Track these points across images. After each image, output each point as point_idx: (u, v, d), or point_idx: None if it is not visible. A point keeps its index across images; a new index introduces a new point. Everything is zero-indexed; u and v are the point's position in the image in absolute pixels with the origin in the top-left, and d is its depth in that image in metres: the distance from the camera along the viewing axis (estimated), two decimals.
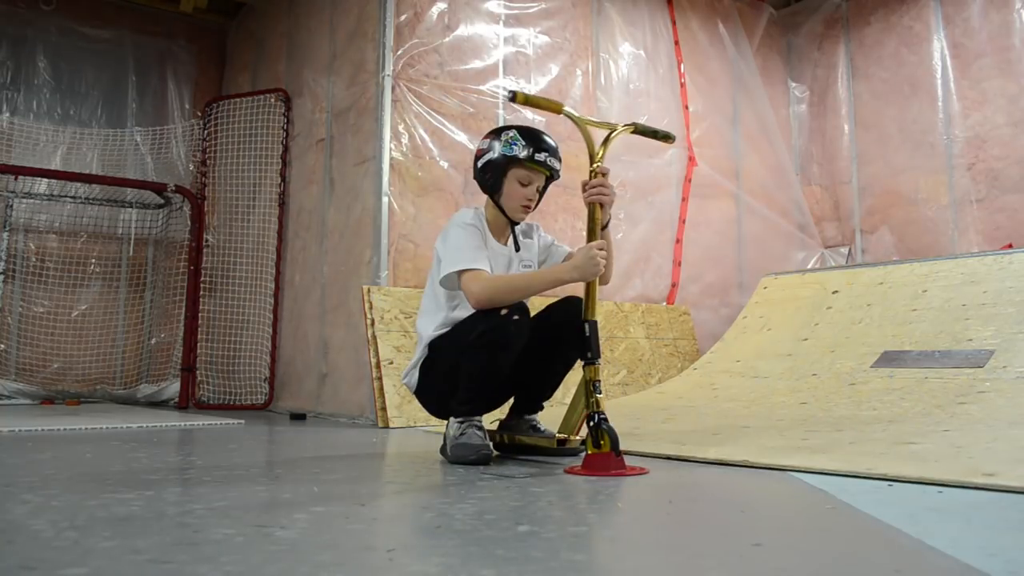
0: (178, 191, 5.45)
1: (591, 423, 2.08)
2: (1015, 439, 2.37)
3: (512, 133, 2.33)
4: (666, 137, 2.49)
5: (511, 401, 2.52)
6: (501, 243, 2.41)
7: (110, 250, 5.63)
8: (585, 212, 2.28)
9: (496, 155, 2.33)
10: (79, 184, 5.42)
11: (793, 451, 2.30)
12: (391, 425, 3.57)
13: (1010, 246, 4.69)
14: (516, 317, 2.19)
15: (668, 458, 2.33)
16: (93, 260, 5.54)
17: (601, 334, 2.31)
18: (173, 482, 1.92)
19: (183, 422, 3.78)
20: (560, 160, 2.36)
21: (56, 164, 5.50)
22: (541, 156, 2.31)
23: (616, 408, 3.81)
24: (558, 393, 2.61)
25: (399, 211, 4.08)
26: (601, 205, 2.25)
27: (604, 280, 2.37)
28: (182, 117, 6.02)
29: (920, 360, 3.69)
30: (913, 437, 2.50)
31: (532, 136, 2.33)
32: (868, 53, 5.78)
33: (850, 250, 5.77)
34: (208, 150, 5.52)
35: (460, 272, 2.23)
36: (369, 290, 3.86)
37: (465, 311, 2.29)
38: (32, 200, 5.38)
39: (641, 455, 2.38)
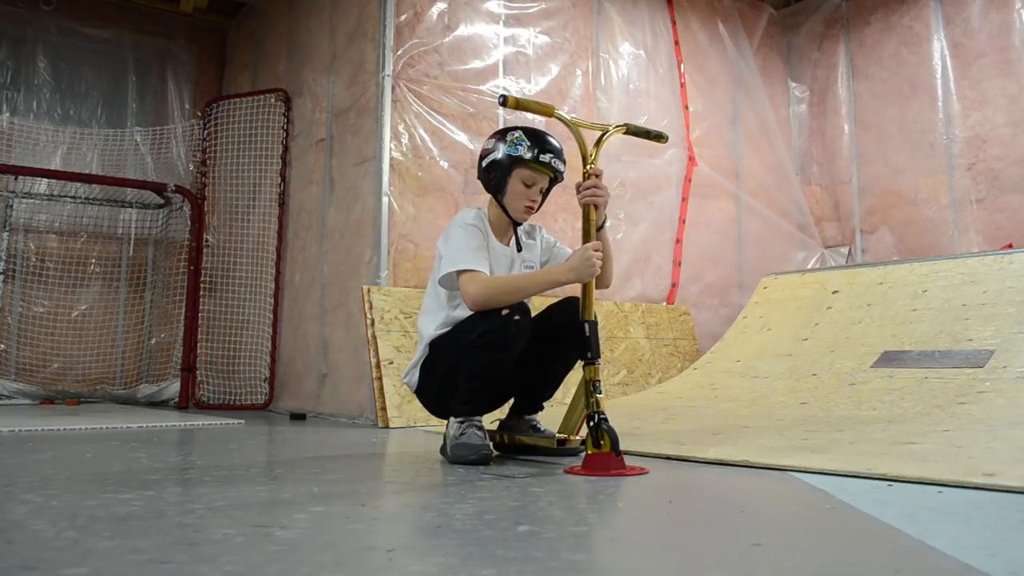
0: (178, 191, 5.45)
1: (591, 423, 2.08)
2: (1015, 439, 2.37)
3: (517, 134, 2.33)
4: (659, 137, 2.50)
5: (511, 401, 2.53)
6: (503, 243, 2.42)
7: (110, 250, 5.63)
8: None
9: (501, 155, 2.33)
10: (79, 184, 5.42)
11: (793, 451, 2.30)
12: (391, 425, 3.57)
13: (1010, 246, 4.69)
14: (517, 317, 2.20)
15: (668, 458, 2.33)
16: (93, 260, 5.54)
17: (601, 334, 2.31)
18: (173, 482, 1.92)
19: (183, 422, 3.78)
20: (564, 162, 2.37)
21: (56, 164, 5.50)
22: (546, 157, 2.31)
23: (616, 408, 3.81)
24: (558, 393, 2.61)
25: (399, 211, 4.08)
26: (596, 206, 2.25)
27: (604, 283, 2.37)
28: (182, 117, 6.02)
29: (920, 360, 3.69)
30: (913, 437, 2.50)
31: (537, 137, 2.33)
32: (868, 53, 5.78)
33: (850, 250, 5.77)
34: (208, 150, 5.52)
35: (459, 272, 2.23)
36: (369, 290, 3.86)
37: (466, 311, 2.29)
38: (32, 200, 5.38)
39: (641, 455, 2.38)
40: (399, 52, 4.19)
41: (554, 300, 2.41)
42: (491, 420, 2.46)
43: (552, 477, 2.00)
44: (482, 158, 2.40)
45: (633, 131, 2.43)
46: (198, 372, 5.28)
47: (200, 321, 5.32)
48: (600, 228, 2.30)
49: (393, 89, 4.13)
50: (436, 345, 2.35)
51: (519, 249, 2.43)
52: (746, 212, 5.62)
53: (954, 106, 5.23)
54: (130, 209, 5.67)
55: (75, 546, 1.21)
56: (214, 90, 6.16)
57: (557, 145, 2.35)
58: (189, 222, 5.47)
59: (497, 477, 1.99)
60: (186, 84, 6.15)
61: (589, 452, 2.07)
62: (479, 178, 2.43)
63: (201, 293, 5.35)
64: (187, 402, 5.19)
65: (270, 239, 5.19)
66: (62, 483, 1.87)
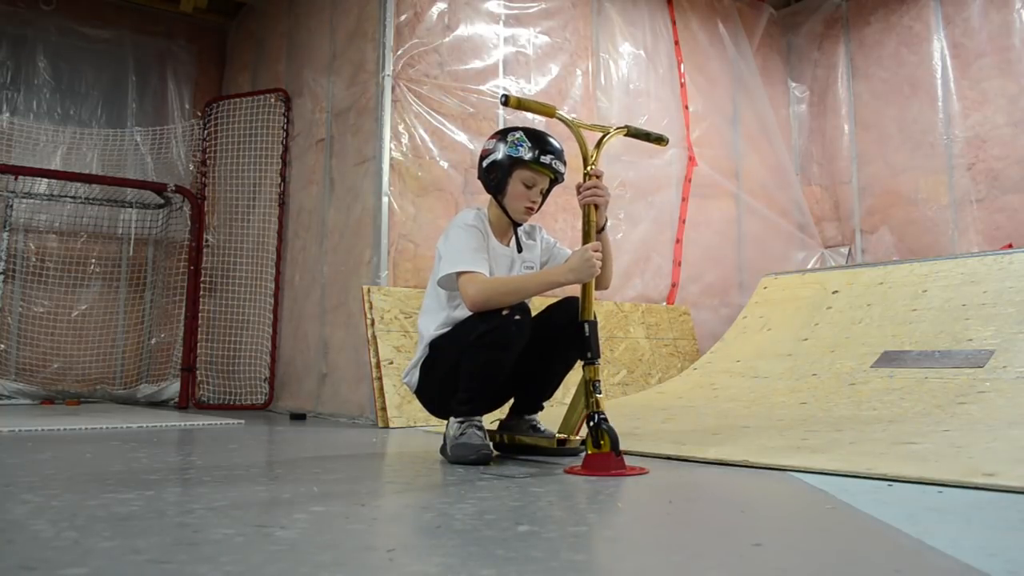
0: (178, 191, 5.45)
1: (591, 423, 2.08)
2: (1015, 439, 2.37)
3: (518, 134, 2.33)
4: (659, 139, 2.51)
5: (511, 401, 2.53)
6: (503, 244, 2.42)
7: (110, 250, 5.63)
8: None
9: (501, 156, 2.33)
10: (79, 184, 5.43)
11: (793, 451, 2.30)
12: (391, 425, 3.57)
13: (1010, 246, 4.69)
14: (517, 317, 2.20)
15: (668, 458, 2.33)
16: (93, 260, 5.55)
17: (601, 334, 2.32)
18: (173, 482, 1.92)
19: (183, 422, 3.78)
20: (565, 163, 2.37)
21: (56, 164, 5.50)
22: (546, 158, 2.31)
23: (616, 408, 3.81)
24: (558, 393, 2.61)
25: (399, 211, 4.08)
26: (596, 206, 2.26)
27: (604, 284, 2.38)
28: (182, 117, 6.02)
29: (920, 360, 3.69)
30: (913, 437, 2.50)
31: (538, 138, 2.33)
32: (868, 53, 5.78)
33: (850, 250, 5.77)
34: (208, 150, 5.52)
35: (458, 274, 2.23)
36: (369, 290, 3.86)
37: (467, 311, 2.29)
38: (32, 200, 5.38)
39: (641, 455, 2.38)
40: (399, 52, 4.19)
41: (554, 300, 2.41)
42: (491, 420, 2.46)
43: (552, 477, 2.00)
44: (482, 159, 2.40)
45: (634, 133, 2.44)
46: (198, 372, 5.29)
47: (200, 321, 5.32)
48: (601, 230, 2.31)
49: (393, 89, 4.13)
50: (436, 345, 2.35)
51: (519, 250, 2.43)
52: (746, 212, 5.62)
53: (954, 106, 5.23)
54: (130, 209, 5.67)
55: (75, 546, 1.21)
56: (214, 90, 6.16)
57: (558, 146, 2.35)
58: (189, 222, 5.47)
59: (497, 477, 1.99)
60: (186, 84, 6.15)
61: (589, 452, 2.07)
62: (479, 178, 2.44)
63: (201, 293, 5.35)
64: (187, 402, 5.19)
65: (270, 239, 5.19)
66: (62, 483, 1.87)
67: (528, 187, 2.34)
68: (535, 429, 2.46)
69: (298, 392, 4.77)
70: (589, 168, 2.27)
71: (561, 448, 2.33)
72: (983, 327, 3.66)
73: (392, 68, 4.15)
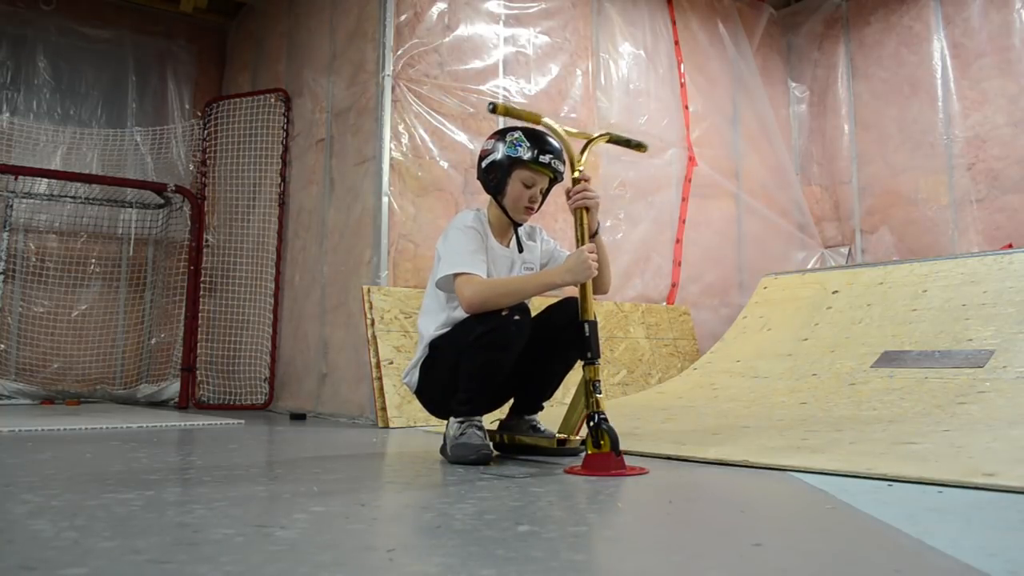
0: (178, 191, 5.45)
1: (591, 423, 2.08)
2: (1015, 439, 2.37)
3: (517, 134, 2.33)
4: (639, 146, 2.53)
5: (511, 401, 2.53)
6: (503, 244, 2.42)
7: (110, 250, 5.63)
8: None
9: (500, 156, 2.33)
10: (79, 184, 5.43)
11: (793, 451, 2.30)
12: (391, 425, 3.57)
13: (1010, 246, 4.69)
14: (517, 317, 2.20)
15: (668, 458, 2.33)
16: (93, 260, 5.55)
17: (601, 334, 2.32)
18: (173, 482, 1.92)
19: (183, 422, 3.78)
20: (564, 162, 2.37)
21: (56, 164, 5.50)
22: (545, 158, 2.31)
23: (616, 408, 3.81)
24: (558, 393, 2.61)
25: (399, 211, 4.08)
26: (587, 209, 2.26)
27: (602, 288, 2.38)
28: (182, 117, 6.02)
29: (920, 360, 3.69)
30: (913, 437, 2.50)
31: (537, 138, 2.33)
32: (868, 53, 5.78)
33: (850, 250, 5.77)
34: (208, 150, 5.52)
35: (455, 275, 2.24)
36: (369, 290, 3.86)
37: None
38: (32, 200, 5.38)
39: (641, 455, 2.38)
40: (399, 52, 4.19)
41: (554, 300, 2.41)
42: (491, 420, 2.46)
43: (552, 477, 2.00)
44: (482, 159, 2.40)
45: (615, 140, 2.49)
46: (198, 372, 5.29)
47: (200, 321, 5.32)
48: (595, 235, 2.31)
49: (393, 89, 4.13)
50: (436, 345, 2.35)
51: (520, 250, 2.43)
52: (746, 212, 5.62)
53: (954, 106, 5.24)
54: (130, 209, 5.67)
55: (75, 546, 1.21)
56: (214, 90, 6.16)
57: (557, 145, 2.35)
58: (189, 222, 5.47)
59: (497, 477, 1.99)
60: (186, 84, 6.15)
61: (589, 452, 2.07)
62: (479, 179, 2.44)
63: (201, 293, 5.35)
64: (187, 402, 5.19)
65: (270, 239, 5.19)
66: (62, 483, 1.87)
67: (528, 187, 2.34)
68: (535, 429, 2.46)
69: (298, 392, 4.77)
70: (576, 172, 2.29)
71: (561, 448, 2.34)
72: (983, 327, 3.66)
73: (392, 68, 4.15)
